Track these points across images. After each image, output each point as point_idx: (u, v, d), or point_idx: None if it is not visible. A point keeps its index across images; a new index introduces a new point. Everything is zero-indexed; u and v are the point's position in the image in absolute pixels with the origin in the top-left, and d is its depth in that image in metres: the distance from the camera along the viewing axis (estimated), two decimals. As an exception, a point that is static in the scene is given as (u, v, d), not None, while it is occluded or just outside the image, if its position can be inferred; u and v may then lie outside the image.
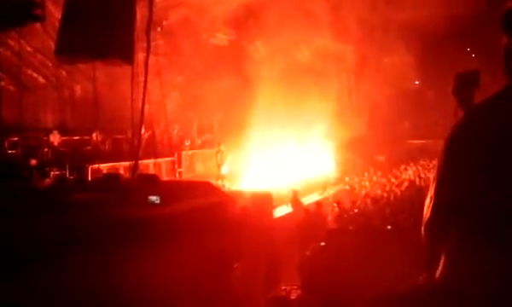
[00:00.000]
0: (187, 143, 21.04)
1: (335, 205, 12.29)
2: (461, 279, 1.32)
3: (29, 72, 17.35)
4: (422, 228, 1.51)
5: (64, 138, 16.93)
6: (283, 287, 8.15)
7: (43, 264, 6.13)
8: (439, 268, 1.41)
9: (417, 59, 22.29)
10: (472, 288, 1.28)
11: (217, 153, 19.12)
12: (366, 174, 17.64)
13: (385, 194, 13.33)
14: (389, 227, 8.15)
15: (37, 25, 15.81)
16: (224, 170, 18.79)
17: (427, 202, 1.48)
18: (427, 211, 1.48)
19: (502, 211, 1.28)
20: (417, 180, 14.98)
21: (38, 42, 17.16)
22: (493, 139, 1.34)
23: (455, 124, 1.47)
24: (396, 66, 22.22)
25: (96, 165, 15.44)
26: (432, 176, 1.51)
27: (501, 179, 1.30)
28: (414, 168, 17.78)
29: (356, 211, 11.06)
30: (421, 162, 18.65)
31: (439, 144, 1.52)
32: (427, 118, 25.13)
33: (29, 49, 17.09)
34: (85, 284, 6.00)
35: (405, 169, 18.06)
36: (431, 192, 1.47)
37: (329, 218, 11.35)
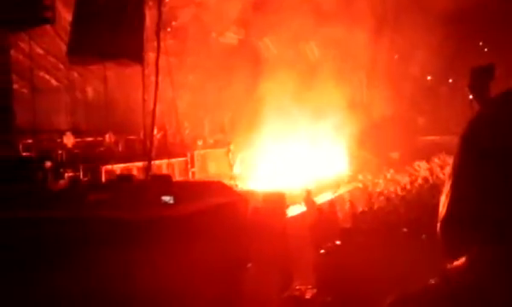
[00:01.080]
0: (199, 143, 21.05)
1: (348, 203, 12.23)
2: (476, 281, 1.28)
3: (41, 74, 17.48)
4: (438, 226, 1.46)
5: (77, 140, 17.04)
6: (298, 287, 8.11)
7: (58, 264, 6.17)
8: (456, 268, 1.36)
9: (430, 54, 22.10)
10: (488, 292, 1.24)
11: (227, 152, 19.10)
12: (379, 172, 17.49)
13: (399, 191, 13.21)
14: (405, 229, 8.00)
15: (48, 27, 15.93)
16: (237, 169, 18.76)
17: (443, 199, 1.44)
18: (442, 208, 1.44)
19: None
20: (430, 178, 14.81)
21: (49, 44, 17.29)
22: (509, 136, 1.29)
23: (470, 117, 1.42)
24: (408, 62, 22.04)
25: (109, 166, 15.51)
26: (447, 172, 1.47)
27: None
28: (428, 165, 17.60)
29: (368, 209, 10.97)
30: (435, 159, 18.46)
31: (453, 140, 1.47)
32: (440, 114, 24.91)
33: (40, 51, 17.23)
34: (100, 283, 6.03)
35: (419, 166, 17.89)
36: (446, 188, 1.43)
37: (343, 217, 11.28)
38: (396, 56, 24.41)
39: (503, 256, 1.20)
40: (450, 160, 1.47)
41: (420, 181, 14.60)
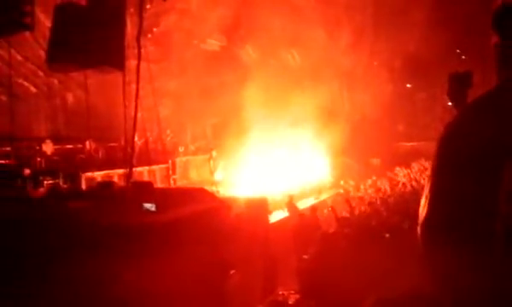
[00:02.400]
0: (181, 150, 20.99)
1: (330, 209, 12.27)
2: (456, 284, 1.31)
3: (20, 81, 17.28)
4: (418, 228, 1.49)
5: (57, 147, 16.85)
6: (281, 292, 8.13)
7: (39, 272, 6.09)
8: (437, 269, 1.39)
9: (409, 61, 22.42)
10: (466, 294, 1.27)
11: (209, 159, 19.10)
12: (360, 178, 17.63)
13: (380, 195, 13.34)
14: (387, 235, 8.07)
15: (27, 34, 15.75)
16: (218, 176, 18.75)
17: (423, 202, 1.47)
18: (422, 210, 1.47)
19: (493, 210, 1.27)
20: (408, 184, 14.97)
21: (29, 51, 17.12)
22: (487, 136, 1.33)
23: (448, 122, 1.46)
24: (387, 69, 22.33)
25: (89, 174, 15.37)
26: (427, 175, 1.50)
27: (494, 176, 1.29)
28: (407, 170, 17.80)
29: (350, 214, 11.03)
30: (415, 165, 18.67)
31: (432, 146, 1.51)
32: (420, 120, 25.24)
33: (19, 58, 17.03)
34: (80, 292, 5.96)
35: (399, 171, 18.08)
36: (426, 191, 1.46)
37: (325, 222, 11.33)
38: (375, 63, 24.70)
39: (481, 265, 1.23)
40: (429, 166, 1.51)
41: (400, 186, 14.76)
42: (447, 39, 22.44)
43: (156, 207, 7.49)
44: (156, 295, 6.11)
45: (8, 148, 15.58)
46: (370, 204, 11.70)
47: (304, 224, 10.79)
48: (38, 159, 15.89)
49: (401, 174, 17.23)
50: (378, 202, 11.90)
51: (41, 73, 17.50)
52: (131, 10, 14.77)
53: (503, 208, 1.26)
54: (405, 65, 22.77)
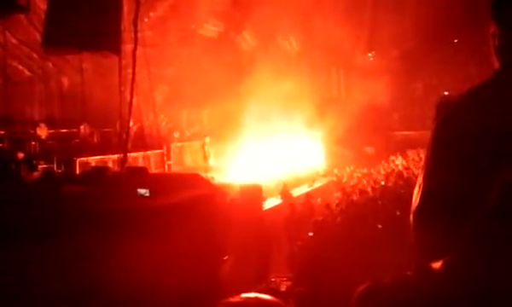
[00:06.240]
0: (176, 135, 20.95)
1: (323, 196, 12.33)
2: (445, 270, 1.32)
3: (14, 64, 17.14)
4: (411, 217, 1.50)
5: (51, 131, 16.78)
6: (273, 279, 8.18)
7: (32, 257, 6.09)
8: (429, 257, 1.40)
9: (405, 50, 22.40)
10: (456, 281, 1.27)
11: (202, 145, 19.08)
12: (354, 166, 17.67)
13: (372, 183, 13.38)
14: (380, 226, 8.07)
15: (22, 16, 15.60)
16: (212, 162, 18.75)
17: (416, 190, 1.48)
18: (415, 199, 1.48)
19: (484, 199, 1.28)
20: (405, 172, 15.01)
21: (23, 34, 16.97)
22: (481, 127, 1.34)
23: (444, 110, 1.47)
24: (384, 58, 22.32)
25: (84, 158, 15.33)
26: (421, 164, 1.51)
27: (487, 166, 1.30)
28: (402, 160, 17.86)
29: (343, 202, 11.07)
30: (409, 153, 18.72)
31: (427, 135, 1.52)
32: (415, 110, 25.25)
33: (14, 41, 16.89)
34: (73, 276, 5.98)
35: (393, 160, 18.14)
36: (419, 180, 1.47)
37: (318, 210, 11.37)
38: (373, 52, 24.69)
39: (474, 251, 1.24)
40: (424, 155, 1.52)
41: (395, 175, 14.79)
42: (444, 30, 22.42)
43: (150, 193, 7.49)
44: (149, 280, 6.13)
45: (2, 132, 15.49)
46: (362, 192, 11.73)
47: (297, 211, 10.83)
48: (33, 142, 15.83)
49: (395, 163, 17.30)
50: (370, 190, 11.93)
51: (36, 56, 17.36)
52: (128, -6, 14.64)
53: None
54: (402, 54, 22.73)
